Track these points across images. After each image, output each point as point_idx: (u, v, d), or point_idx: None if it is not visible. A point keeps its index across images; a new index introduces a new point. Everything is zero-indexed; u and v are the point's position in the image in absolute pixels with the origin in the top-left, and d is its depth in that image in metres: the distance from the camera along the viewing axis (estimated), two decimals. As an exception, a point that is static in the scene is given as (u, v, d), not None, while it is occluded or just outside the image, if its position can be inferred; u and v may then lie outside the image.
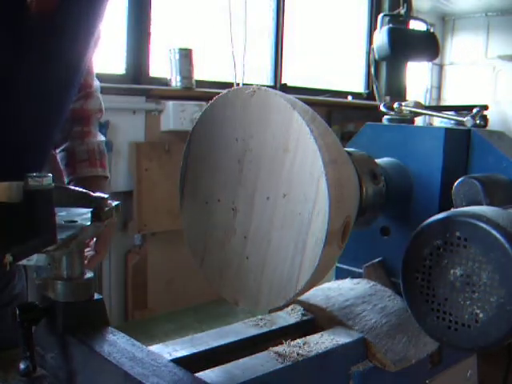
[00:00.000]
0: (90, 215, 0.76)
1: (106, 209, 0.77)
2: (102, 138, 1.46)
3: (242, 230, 0.82)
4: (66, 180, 1.42)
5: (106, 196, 0.79)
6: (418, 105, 1.22)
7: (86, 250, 1.33)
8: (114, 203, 0.80)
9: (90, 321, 0.79)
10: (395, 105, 1.22)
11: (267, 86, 0.84)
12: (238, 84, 3.68)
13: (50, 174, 0.62)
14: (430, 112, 1.25)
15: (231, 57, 3.85)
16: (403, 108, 1.21)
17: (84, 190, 0.82)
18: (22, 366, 0.73)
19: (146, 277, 3.94)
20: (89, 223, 0.75)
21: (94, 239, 1.34)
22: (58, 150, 1.42)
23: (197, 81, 3.99)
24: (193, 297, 3.84)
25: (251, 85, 0.82)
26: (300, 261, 0.75)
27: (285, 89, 4.75)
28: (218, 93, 0.85)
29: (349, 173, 0.79)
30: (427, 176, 1.06)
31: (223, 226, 0.85)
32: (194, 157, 0.89)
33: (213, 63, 4.28)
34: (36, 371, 0.74)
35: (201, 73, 4.10)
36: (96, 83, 1.47)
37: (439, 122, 1.25)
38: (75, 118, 1.40)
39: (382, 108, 1.23)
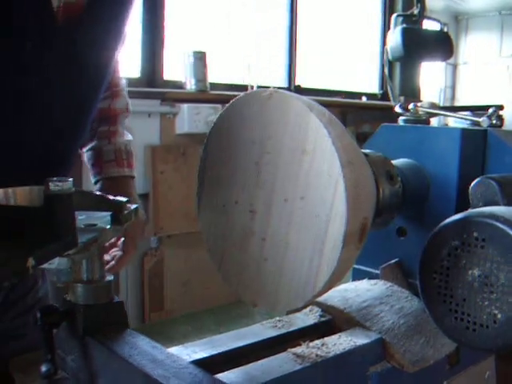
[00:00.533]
0: (109, 218, 0.76)
1: (126, 212, 0.78)
2: (129, 137, 1.46)
3: (260, 232, 0.82)
4: (92, 179, 1.42)
5: (125, 199, 0.80)
6: (433, 105, 1.22)
7: (113, 250, 1.33)
8: (133, 206, 0.81)
9: (110, 323, 0.80)
10: (410, 106, 1.22)
11: (281, 88, 0.85)
12: (252, 86, 3.68)
13: (71, 179, 0.62)
14: (445, 112, 1.25)
15: (245, 59, 3.86)
16: (418, 109, 1.21)
17: (103, 194, 0.83)
18: (43, 368, 0.73)
19: (163, 279, 3.96)
20: (108, 226, 0.75)
21: (122, 239, 1.34)
22: (84, 149, 1.42)
23: (211, 83, 4.00)
24: (209, 299, 3.85)
25: (267, 87, 0.82)
26: (318, 262, 0.75)
27: (299, 90, 4.75)
28: (233, 95, 0.86)
29: (366, 174, 0.79)
30: (444, 176, 1.06)
31: (241, 229, 0.85)
32: (211, 159, 0.89)
33: (226, 65, 4.29)
34: (57, 374, 0.75)
35: (215, 75, 4.11)
36: (122, 82, 1.47)
37: (454, 122, 1.25)
38: (102, 117, 1.40)
39: (398, 109, 1.23)
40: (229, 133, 0.86)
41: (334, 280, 0.76)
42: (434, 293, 0.89)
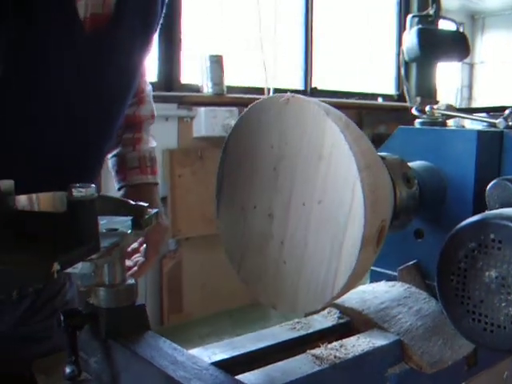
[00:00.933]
0: (130, 223, 0.78)
1: (146, 216, 0.79)
2: (153, 143, 1.48)
3: (278, 236, 0.83)
4: (116, 186, 1.43)
5: (145, 204, 0.81)
6: (449, 107, 1.22)
7: (135, 256, 1.34)
8: (154, 211, 0.82)
9: (132, 326, 0.81)
10: (427, 108, 1.22)
11: (297, 90, 0.86)
12: (268, 89, 3.69)
13: (93, 185, 0.64)
14: (461, 114, 1.25)
15: (261, 62, 3.86)
16: (435, 111, 1.21)
17: (123, 199, 0.84)
18: (67, 370, 0.75)
19: (181, 281, 3.97)
20: (129, 231, 0.77)
21: (144, 245, 1.35)
22: (109, 156, 1.43)
23: (228, 87, 4.01)
24: (227, 301, 3.86)
25: (283, 90, 0.83)
26: (336, 265, 0.76)
27: (315, 92, 4.75)
28: (249, 98, 0.87)
29: (383, 177, 0.80)
30: (460, 178, 1.07)
31: (260, 232, 0.86)
32: (229, 164, 0.90)
33: (243, 68, 4.30)
34: (81, 375, 0.76)
35: (231, 78, 4.12)
36: (148, 88, 1.48)
37: (470, 123, 1.26)
38: (128, 124, 1.42)
39: (414, 111, 1.23)
40: (247, 138, 0.87)
41: (352, 282, 0.77)
42: (451, 294, 0.90)
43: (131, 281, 0.82)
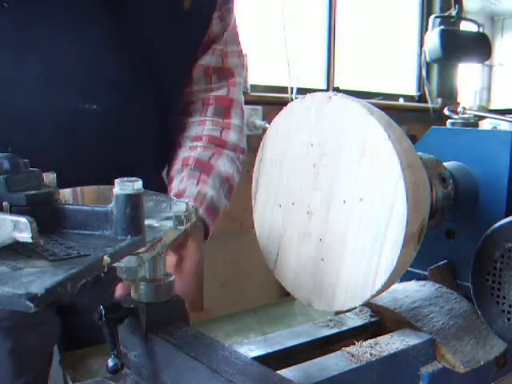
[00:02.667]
0: (172, 218, 0.78)
1: (187, 212, 0.80)
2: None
3: (317, 233, 0.84)
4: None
5: (186, 200, 0.82)
6: (482, 108, 1.22)
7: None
8: (194, 206, 0.82)
9: (172, 321, 0.81)
10: (459, 108, 1.23)
11: (320, 90, 0.87)
12: (292, 88, 3.69)
13: (140, 180, 0.64)
14: (494, 115, 1.25)
15: (285, 61, 3.86)
16: (467, 111, 1.22)
17: (166, 194, 0.85)
18: (110, 363, 0.75)
19: (202, 279, 3.97)
20: (171, 226, 0.77)
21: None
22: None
23: (252, 85, 4.02)
24: (247, 299, 3.86)
25: (307, 90, 0.83)
26: (377, 263, 0.76)
27: (338, 92, 4.71)
28: (273, 97, 0.88)
29: (423, 176, 0.80)
30: (494, 179, 1.07)
31: (298, 229, 0.87)
32: (267, 161, 0.91)
33: (267, 67, 4.30)
34: (123, 368, 0.77)
35: (254, 77, 4.12)
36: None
37: (488, 123, 1.26)
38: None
39: (446, 112, 1.24)
40: (286, 135, 0.88)
41: (392, 280, 0.78)
42: (486, 294, 0.90)
43: (171, 276, 0.83)
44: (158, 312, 0.80)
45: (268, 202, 0.92)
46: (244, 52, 1.48)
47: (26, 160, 0.65)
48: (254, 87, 4.09)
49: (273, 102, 3.57)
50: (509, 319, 0.88)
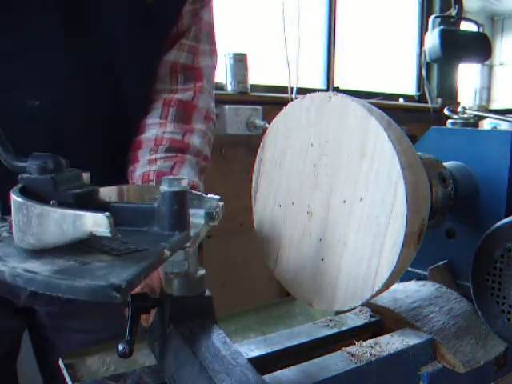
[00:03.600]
0: (203, 214, 0.78)
1: (217, 209, 0.80)
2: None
3: (317, 233, 0.84)
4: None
5: (217, 197, 0.82)
6: (482, 108, 1.22)
7: None
8: (222, 204, 0.83)
9: (197, 316, 0.82)
10: (459, 108, 1.22)
11: (319, 90, 0.87)
12: (291, 88, 3.69)
13: (185, 177, 0.66)
14: (494, 115, 1.25)
15: (285, 61, 3.86)
16: (467, 112, 1.21)
17: (197, 192, 0.85)
18: (120, 347, 0.76)
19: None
20: (203, 222, 0.78)
21: None
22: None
23: (251, 85, 4.01)
24: (248, 299, 3.85)
25: (307, 90, 0.83)
26: (377, 263, 0.76)
27: (338, 92, 4.71)
28: (273, 97, 0.88)
29: (423, 176, 0.80)
30: (494, 179, 1.07)
31: (298, 229, 0.87)
32: (267, 161, 0.91)
33: (266, 67, 4.31)
34: (131, 355, 0.77)
35: (254, 77, 4.12)
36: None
37: (488, 123, 1.26)
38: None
39: (446, 112, 1.24)
40: (286, 135, 0.88)
41: (392, 280, 0.78)
42: (486, 294, 0.90)
43: (202, 271, 0.83)
44: (183, 305, 0.81)
45: (268, 202, 0.92)
46: (218, 53, 1.42)
47: (66, 160, 0.67)
48: (254, 87, 4.09)
49: (273, 101, 3.57)
50: (509, 319, 0.88)
